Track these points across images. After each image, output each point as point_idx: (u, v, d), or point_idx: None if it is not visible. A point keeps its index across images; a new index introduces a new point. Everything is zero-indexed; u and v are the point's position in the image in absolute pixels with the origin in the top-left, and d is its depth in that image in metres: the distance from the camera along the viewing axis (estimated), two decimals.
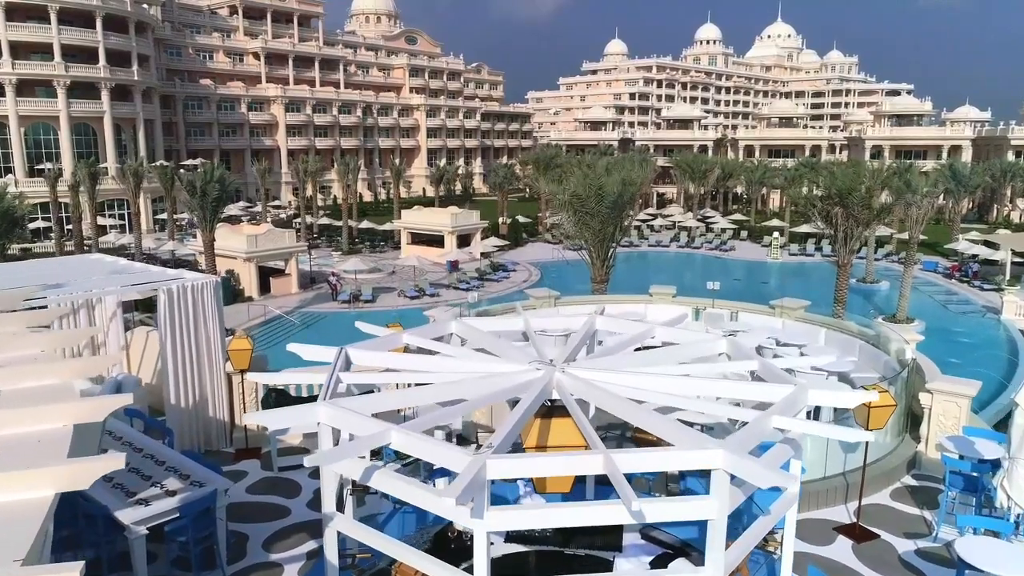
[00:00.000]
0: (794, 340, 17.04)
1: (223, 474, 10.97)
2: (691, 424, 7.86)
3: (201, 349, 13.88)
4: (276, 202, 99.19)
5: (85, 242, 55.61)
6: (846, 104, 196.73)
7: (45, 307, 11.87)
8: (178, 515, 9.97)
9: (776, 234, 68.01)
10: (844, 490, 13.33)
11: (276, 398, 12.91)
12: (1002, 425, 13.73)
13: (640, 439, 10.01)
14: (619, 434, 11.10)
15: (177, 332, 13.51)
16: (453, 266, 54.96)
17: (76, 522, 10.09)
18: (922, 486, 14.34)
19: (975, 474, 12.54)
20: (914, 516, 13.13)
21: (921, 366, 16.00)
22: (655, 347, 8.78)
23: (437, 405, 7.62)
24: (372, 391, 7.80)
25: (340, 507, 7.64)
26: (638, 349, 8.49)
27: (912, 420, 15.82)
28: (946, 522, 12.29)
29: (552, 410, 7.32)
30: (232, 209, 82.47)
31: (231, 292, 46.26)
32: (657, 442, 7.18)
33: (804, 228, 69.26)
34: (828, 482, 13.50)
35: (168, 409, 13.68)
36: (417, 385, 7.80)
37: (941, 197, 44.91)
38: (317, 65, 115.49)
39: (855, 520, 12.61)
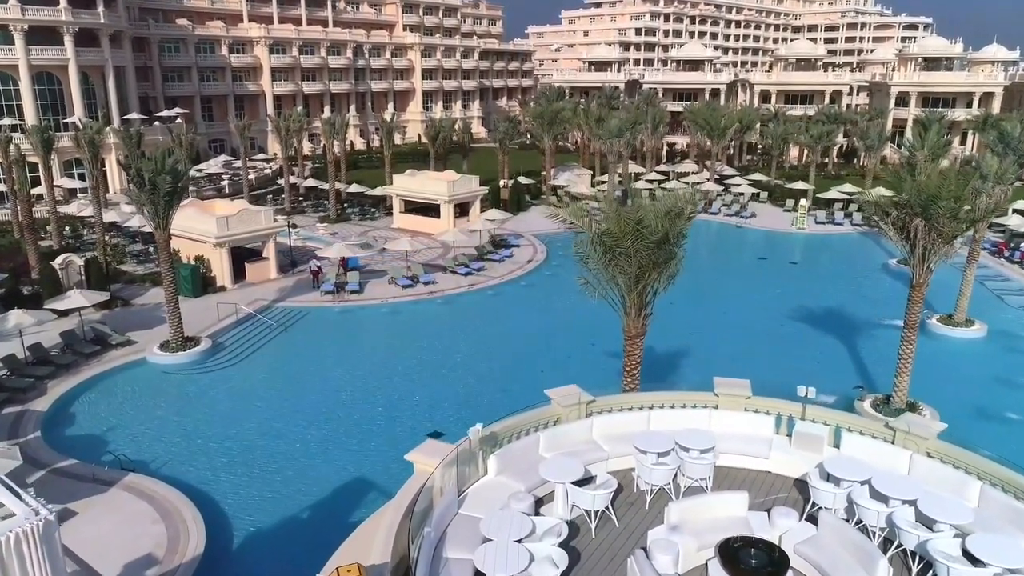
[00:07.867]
0: (940, 512, 11.37)
1: None
2: None
3: None
4: (262, 155, 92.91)
5: (43, 207, 50.13)
6: (861, 39, 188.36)
7: None
8: None
9: (802, 200, 62.28)
10: None
11: None
12: None
13: None
14: None
15: None
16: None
17: None
18: None
19: None
20: None
21: None
22: None
23: None
24: None
25: None
26: None
27: None
28: None
29: None
30: (213, 166, 76.44)
31: (200, 281, 41.13)
32: None
33: (831, 193, 63.74)
34: None
35: None
36: None
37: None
38: (303, 2, 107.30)
39: None
